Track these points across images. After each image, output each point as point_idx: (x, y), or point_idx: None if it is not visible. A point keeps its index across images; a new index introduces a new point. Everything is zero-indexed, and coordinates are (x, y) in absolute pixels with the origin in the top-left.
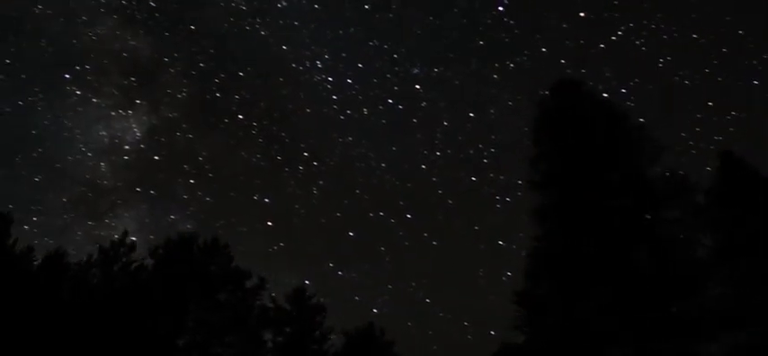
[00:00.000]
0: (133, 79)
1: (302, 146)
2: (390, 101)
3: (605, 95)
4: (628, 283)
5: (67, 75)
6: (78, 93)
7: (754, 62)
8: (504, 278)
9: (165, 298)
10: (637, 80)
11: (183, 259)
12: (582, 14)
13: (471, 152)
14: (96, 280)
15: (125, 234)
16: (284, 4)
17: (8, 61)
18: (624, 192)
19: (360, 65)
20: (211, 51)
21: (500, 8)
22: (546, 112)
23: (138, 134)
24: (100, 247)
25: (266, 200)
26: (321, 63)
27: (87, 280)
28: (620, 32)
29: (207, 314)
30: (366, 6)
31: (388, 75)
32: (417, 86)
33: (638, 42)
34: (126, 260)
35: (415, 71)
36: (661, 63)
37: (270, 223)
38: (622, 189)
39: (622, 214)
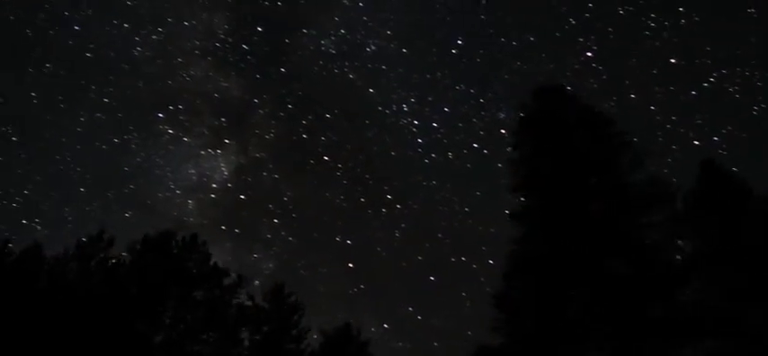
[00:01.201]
0: (223, 119)
1: (386, 188)
2: (475, 145)
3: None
4: (604, 287)
5: (161, 115)
6: (170, 132)
7: None
8: None
9: (142, 294)
10: (729, 127)
11: (161, 256)
12: (673, 61)
13: None
14: (73, 276)
15: (102, 231)
16: (373, 48)
17: (106, 100)
18: (603, 197)
19: (446, 109)
20: (300, 93)
21: (588, 54)
22: (527, 116)
23: (225, 173)
24: (77, 242)
25: (348, 241)
26: (407, 106)
27: (64, 275)
28: (712, 79)
29: (184, 311)
30: (453, 51)
31: (474, 120)
32: (502, 131)
33: (731, 89)
34: (103, 256)
35: (501, 116)
36: (755, 110)
37: (351, 265)
38: (602, 193)
39: (601, 218)
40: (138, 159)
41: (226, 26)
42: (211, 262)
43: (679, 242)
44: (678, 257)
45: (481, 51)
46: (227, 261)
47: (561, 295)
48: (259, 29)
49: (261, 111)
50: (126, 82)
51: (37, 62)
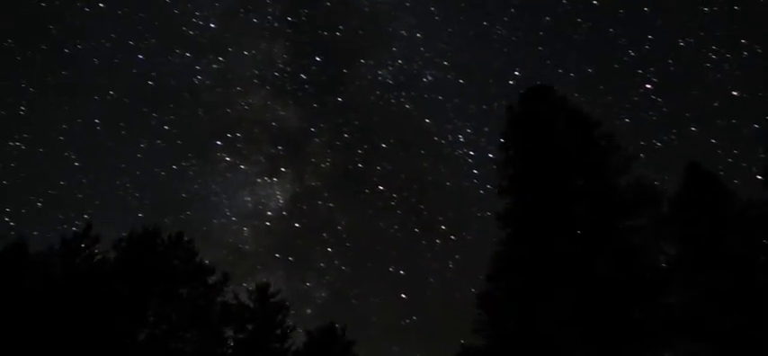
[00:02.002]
0: (280, 148)
1: (440, 218)
2: None
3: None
4: (588, 289)
5: (219, 143)
6: (228, 159)
7: None
8: None
9: (127, 291)
10: None
11: (146, 253)
12: (734, 93)
13: None
14: (58, 272)
15: (89, 226)
16: (430, 78)
17: (166, 127)
18: (589, 199)
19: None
20: (356, 123)
21: (648, 86)
22: (514, 118)
23: (281, 201)
24: (62, 239)
25: (401, 271)
26: (463, 137)
27: (49, 272)
28: None
29: (168, 308)
30: (510, 82)
31: None
32: None
33: None
34: (88, 252)
35: None
36: None
37: (403, 295)
38: (587, 196)
39: (586, 220)
40: (196, 186)
41: (285, 55)
42: (196, 260)
43: (663, 245)
44: (662, 260)
45: (538, 83)
46: (280, 289)
47: (544, 296)
48: (317, 58)
49: (317, 140)
50: (186, 110)
51: (101, 90)
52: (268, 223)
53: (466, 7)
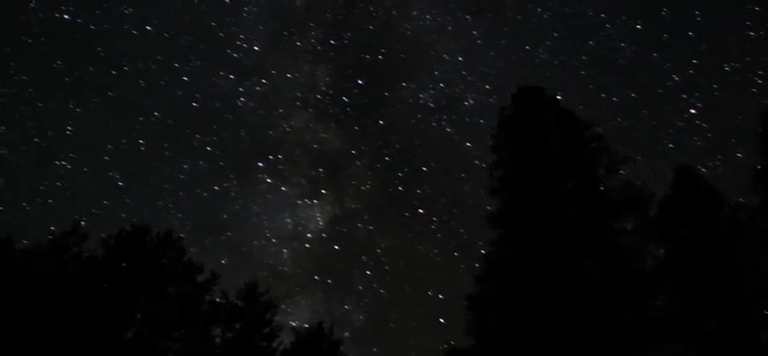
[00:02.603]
0: (321, 170)
1: (480, 243)
2: None
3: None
4: (576, 291)
5: (261, 164)
6: (269, 181)
7: None
8: None
9: (115, 289)
10: None
11: (135, 251)
12: None
13: None
14: (45, 269)
15: (77, 224)
16: (471, 101)
17: (209, 149)
18: (578, 201)
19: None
20: (397, 146)
21: (692, 111)
22: (506, 119)
23: (320, 223)
24: (50, 236)
25: (440, 296)
26: None
27: (36, 269)
28: None
29: (156, 307)
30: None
31: None
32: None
33: None
34: (77, 250)
35: None
36: None
37: (442, 320)
38: (577, 198)
39: (575, 222)
40: (237, 207)
41: (327, 78)
42: (185, 258)
43: (651, 247)
44: (650, 262)
45: (581, 107)
46: (318, 311)
47: (532, 297)
48: (359, 81)
49: (358, 163)
50: (229, 131)
51: (146, 111)
52: (307, 245)
53: (508, 31)
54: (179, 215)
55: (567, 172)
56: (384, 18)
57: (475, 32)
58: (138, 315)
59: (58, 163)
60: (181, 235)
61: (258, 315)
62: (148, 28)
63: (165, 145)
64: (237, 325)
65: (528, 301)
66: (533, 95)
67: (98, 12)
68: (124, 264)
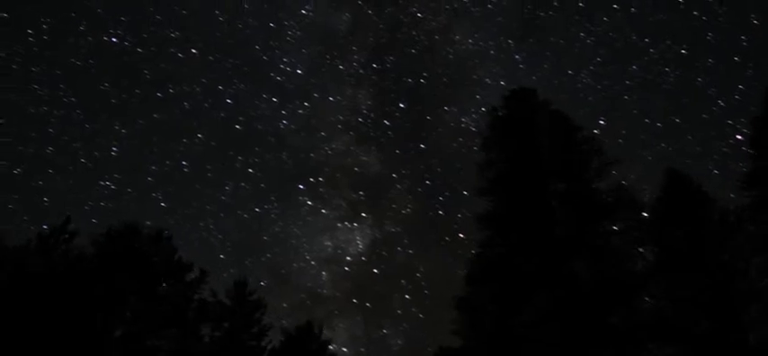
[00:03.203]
0: (361, 193)
1: None
2: None
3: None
4: (566, 292)
5: (302, 187)
6: (309, 203)
7: None
8: None
9: (104, 287)
10: None
11: (125, 249)
12: None
13: None
14: (35, 268)
15: (67, 221)
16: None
17: (251, 171)
18: (569, 202)
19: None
20: (438, 170)
21: (738, 137)
22: (497, 120)
23: (360, 246)
24: (39, 234)
25: None
26: None
27: (25, 267)
28: None
29: (145, 305)
30: (595, 130)
31: None
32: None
33: None
34: (66, 247)
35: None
36: None
37: None
38: (568, 199)
39: (566, 223)
40: (277, 229)
41: (369, 102)
42: (176, 257)
43: (641, 249)
44: (640, 264)
45: (624, 132)
46: (356, 335)
47: (522, 298)
48: (401, 105)
49: (399, 186)
50: (271, 153)
51: (190, 133)
52: (347, 268)
53: (551, 56)
54: (219, 236)
55: (559, 173)
56: (427, 42)
57: (517, 56)
58: (128, 314)
59: (102, 183)
60: (167, 231)
61: (247, 315)
62: (194, 51)
63: (208, 166)
64: (226, 324)
65: (518, 302)
66: (525, 97)
67: (145, 35)
68: (114, 262)
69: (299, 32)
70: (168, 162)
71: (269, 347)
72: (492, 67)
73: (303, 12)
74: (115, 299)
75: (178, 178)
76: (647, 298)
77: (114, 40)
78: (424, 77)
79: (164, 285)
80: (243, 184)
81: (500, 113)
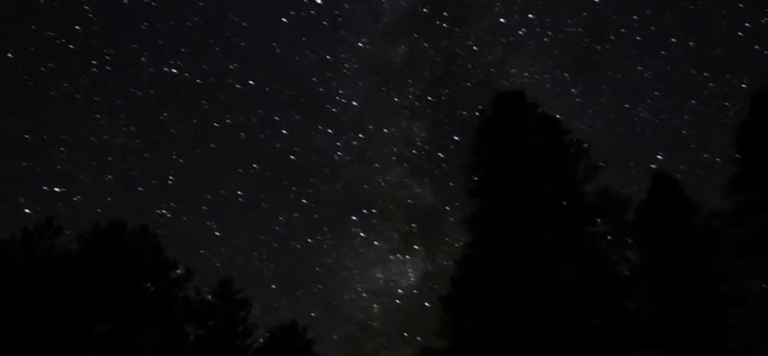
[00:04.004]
0: (414, 225)
1: None
2: None
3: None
4: (551, 294)
5: (355, 218)
6: (362, 235)
7: None
8: None
9: (89, 284)
10: None
11: (110, 245)
12: None
13: None
14: (19, 264)
15: (51, 218)
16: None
17: (304, 201)
18: (556, 205)
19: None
20: None
21: None
22: (486, 122)
23: (412, 279)
24: (24, 230)
25: None
26: None
27: (10, 263)
28: None
29: (130, 302)
30: (652, 165)
31: None
32: None
33: None
34: (50, 243)
35: None
36: None
37: None
38: (554, 202)
39: (552, 226)
40: (329, 260)
41: (423, 134)
42: (162, 255)
43: (627, 253)
44: (625, 268)
45: (682, 167)
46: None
47: (507, 299)
48: (455, 137)
49: (452, 219)
50: (325, 185)
51: (246, 163)
52: (398, 301)
53: (607, 89)
54: (272, 266)
55: (546, 175)
56: (482, 75)
57: (573, 90)
58: (112, 311)
59: (158, 211)
60: (157, 231)
61: (232, 313)
62: (251, 82)
63: (262, 196)
64: (210, 323)
65: (503, 303)
66: (514, 99)
67: (204, 66)
68: (99, 259)
69: (355, 65)
70: (223, 191)
71: (254, 346)
72: (548, 101)
73: (360, 44)
74: (99, 296)
75: (232, 208)
76: (631, 301)
77: (174, 71)
78: (478, 110)
79: (149, 282)
80: (296, 215)
81: (489, 116)
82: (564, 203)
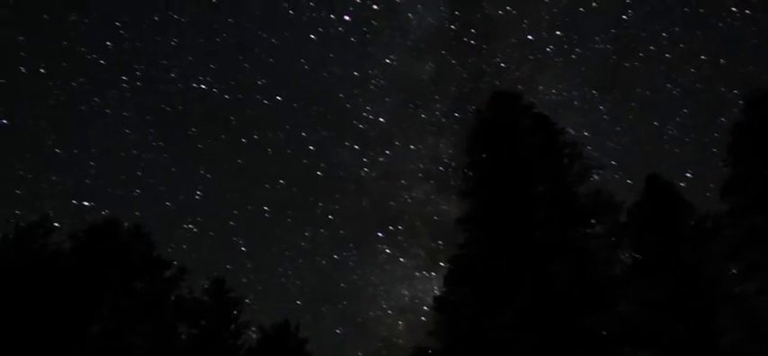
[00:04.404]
0: (440, 242)
1: None
2: None
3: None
4: (544, 295)
5: (381, 234)
6: (388, 251)
7: None
8: None
9: (82, 282)
10: None
11: (104, 244)
12: None
13: None
14: (12, 262)
15: (46, 217)
16: (596, 177)
17: (331, 217)
18: (549, 206)
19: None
20: None
21: None
22: (481, 122)
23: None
24: (17, 228)
25: None
26: None
27: (3, 261)
28: None
29: (123, 301)
30: (682, 184)
31: None
32: None
33: None
34: (43, 242)
35: None
36: None
37: None
38: (548, 202)
39: (545, 227)
40: (355, 277)
41: (450, 150)
42: (154, 253)
43: (619, 254)
44: (617, 269)
45: (712, 186)
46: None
47: (500, 299)
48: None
49: None
50: (351, 200)
51: (272, 178)
52: (424, 318)
53: (636, 107)
54: (297, 281)
55: (540, 175)
56: None
57: (601, 107)
58: (106, 310)
59: (185, 226)
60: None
61: (224, 312)
62: (279, 98)
63: (289, 212)
64: (203, 322)
65: (496, 303)
66: (509, 99)
67: (233, 82)
68: (92, 258)
69: (382, 81)
70: (250, 207)
71: (246, 345)
72: (575, 118)
73: (387, 61)
74: (93, 295)
75: (259, 223)
76: (624, 303)
77: (203, 86)
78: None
79: (142, 281)
80: (322, 231)
81: (484, 115)
82: (557, 204)
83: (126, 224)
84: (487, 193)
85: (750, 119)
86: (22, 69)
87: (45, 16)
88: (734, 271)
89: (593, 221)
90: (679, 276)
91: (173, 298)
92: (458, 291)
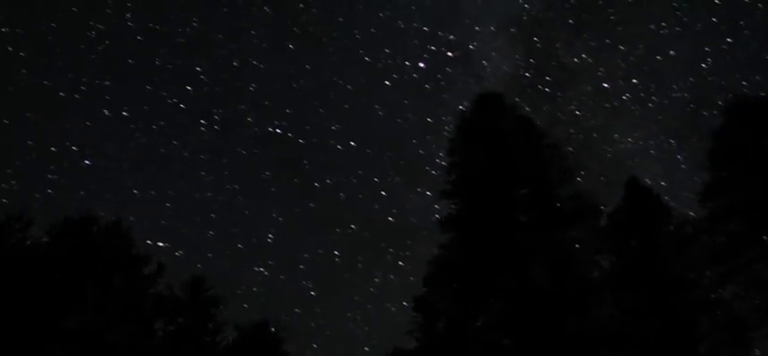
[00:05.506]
0: None
1: None
2: None
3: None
4: (523, 297)
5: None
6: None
7: None
8: None
9: (58, 278)
10: None
11: (81, 239)
12: None
13: None
14: None
15: (22, 211)
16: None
17: (401, 263)
18: (531, 208)
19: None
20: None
21: None
22: (464, 124)
23: None
24: None
25: None
26: None
27: None
28: None
29: (100, 297)
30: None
31: None
32: None
33: None
34: (21, 236)
35: None
36: None
37: None
38: (528, 205)
39: (525, 229)
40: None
41: None
42: (133, 250)
43: (599, 258)
44: (596, 273)
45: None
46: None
47: (479, 301)
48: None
49: None
50: (422, 247)
51: (343, 223)
52: None
53: None
54: (365, 327)
55: (521, 178)
56: (584, 140)
57: (679, 156)
58: (83, 306)
59: (256, 269)
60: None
61: (202, 310)
62: (352, 143)
63: (359, 257)
64: (180, 320)
65: (475, 305)
66: (494, 101)
67: (308, 127)
68: (69, 253)
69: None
70: (321, 250)
71: (223, 343)
72: (652, 167)
73: (461, 107)
74: (69, 290)
75: (329, 267)
76: (603, 307)
77: (278, 130)
78: (580, 175)
79: (120, 277)
80: (392, 277)
81: (468, 117)
82: (539, 206)
83: (104, 219)
84: (469, 195)
85: (730, 125)
86: (106, 112)
87: (129, 61)
88: (713, 276)
89: (573, 225)
90: (658, 281)
91: (151, 295)
92: (437, 292)
